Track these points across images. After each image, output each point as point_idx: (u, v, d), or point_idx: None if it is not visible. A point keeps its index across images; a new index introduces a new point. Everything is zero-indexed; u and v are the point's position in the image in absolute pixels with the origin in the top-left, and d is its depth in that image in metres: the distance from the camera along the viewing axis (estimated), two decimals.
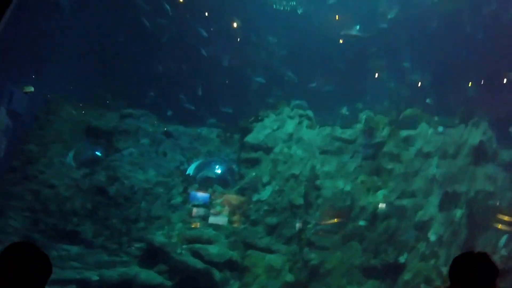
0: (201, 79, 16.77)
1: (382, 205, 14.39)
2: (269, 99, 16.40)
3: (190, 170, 15.77)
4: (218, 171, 16.08)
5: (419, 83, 16.85)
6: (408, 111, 15.16)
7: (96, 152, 14.83)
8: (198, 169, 15.87)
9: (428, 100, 15.98)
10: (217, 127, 16.37)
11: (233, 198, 15.29)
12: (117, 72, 15.11)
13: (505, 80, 16.00)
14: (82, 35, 14.56)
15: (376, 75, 17.35)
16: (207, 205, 15.04)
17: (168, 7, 16.06)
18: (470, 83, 16.10)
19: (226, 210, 15.04)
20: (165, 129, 15.68)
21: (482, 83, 16.15)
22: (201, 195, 15.21)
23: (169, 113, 15.66)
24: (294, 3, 17.44)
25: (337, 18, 16.71)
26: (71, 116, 14.33)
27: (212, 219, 14.81)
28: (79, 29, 14.47)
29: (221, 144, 16.21)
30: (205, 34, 16.54)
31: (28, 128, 13.60)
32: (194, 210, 14.92)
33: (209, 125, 16.32)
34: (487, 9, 16.44)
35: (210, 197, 15.11)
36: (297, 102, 16.31)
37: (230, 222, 14.85)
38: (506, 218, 13.63)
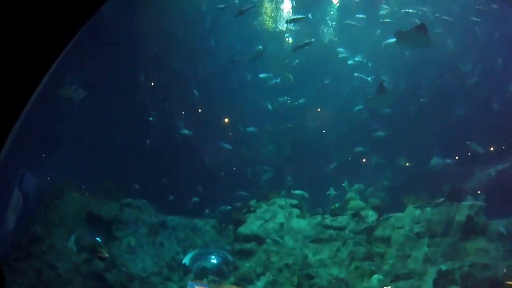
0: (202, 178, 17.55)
1: None
2: (262, 189, 17.35)
3: (186, 260, 15.89)
4: (214, 261, 16.21)
5: (407, 164, 17.98)
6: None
7: (96, 239, 14.86)
8: (194, 259, 15.99)
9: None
10: (213, 218, 16.94)
11: None
12: (120, 162, 15.95)
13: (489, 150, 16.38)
14: (90, 126, 15.65)
15: (364, 160, 18.41)
16: None
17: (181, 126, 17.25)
18: (455, 158, 16.58)
19: None
20: (163, 219, 16.11)
21: (465, 157, 16.51)
22: (197, 285, 15.10)
23: (171, 197, 16.18)
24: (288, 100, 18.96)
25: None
26: (74, 202, 14.68)
27: None
28: (88, 120, 15.60)
29: (216, 235, 16.66)
30: (229, 147, 17.55)
31: (35, 209, 13.78)
32: None
33: (205, 216, 16.89)
34: (468, 84, 17.18)
35: None
36: (296, 192, 17.05)
37: None
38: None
